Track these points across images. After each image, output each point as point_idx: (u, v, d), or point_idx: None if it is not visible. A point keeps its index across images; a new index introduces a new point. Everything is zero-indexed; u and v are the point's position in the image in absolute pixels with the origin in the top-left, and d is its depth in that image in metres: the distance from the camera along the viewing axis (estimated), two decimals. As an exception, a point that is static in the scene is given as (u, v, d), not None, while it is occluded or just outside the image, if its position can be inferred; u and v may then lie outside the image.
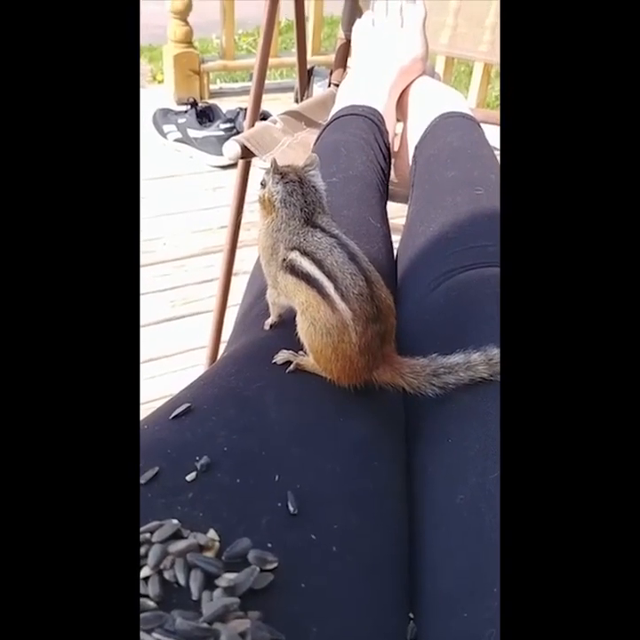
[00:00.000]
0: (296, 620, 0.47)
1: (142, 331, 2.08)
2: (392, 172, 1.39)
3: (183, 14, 3.28)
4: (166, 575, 0.46)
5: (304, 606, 0.48)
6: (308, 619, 0.47)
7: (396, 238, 1.22)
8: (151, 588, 0.45)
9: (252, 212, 2.69)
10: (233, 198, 1.80)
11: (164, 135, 3.09)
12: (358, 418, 0.69)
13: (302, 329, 0.70)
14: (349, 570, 0.54)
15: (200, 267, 2.38)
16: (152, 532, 0.49)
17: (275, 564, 0.49)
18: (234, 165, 2.33)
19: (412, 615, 0.56)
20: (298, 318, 0.71)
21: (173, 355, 2.06)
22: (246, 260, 2.12)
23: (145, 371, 1.96)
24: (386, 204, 1.28)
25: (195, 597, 0.45)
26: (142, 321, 2.12)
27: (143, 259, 2.38)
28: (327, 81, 1.94)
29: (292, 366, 0.70)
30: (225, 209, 2.58)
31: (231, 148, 1.49)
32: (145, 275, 2.31)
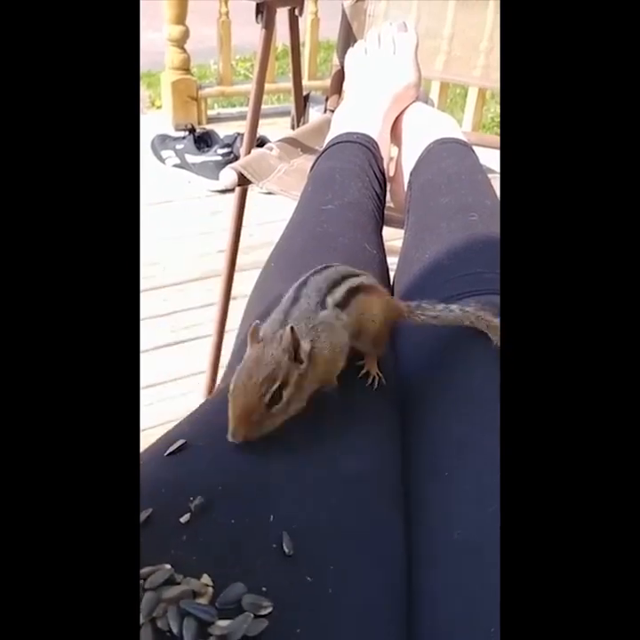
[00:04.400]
0: (291, 667, 0.46)
1: (142, 357, 2.08)
2: (388, 197, 1.40)
3: (180, 42, 3.32)
4: (159, 623, 0.46)
5: (299, 653, 0.47)
6: (303, 666, 0.46)
7: (392, 260, 1.23)
8: (144, 638, 0.44)
9: (252, 236, 2.70)
10: (231, 223, 1.81)
11: (162, 161, 3.12)
12: (353, 454, 0.68)
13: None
14: (346, 612, 0.53)
15: (200, 291, 2.38)
16: (145, 579, 0.48)
17: (269, 609, 0.49)
18: (232, 190, 2.35)
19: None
20: None
21: (174, 380, 2.05)
22: (244, 284, 2.12)
23: (144, 397, 1.96)
24: (382, 229, 1.28)
25: (187, 647, 0.45)
26: (142, 346, 2.12)
27: (143, 284, 2.39)
28: (323, 106, 1.96)
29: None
30: (223, 233, 2.58)
31: (228, 176, 1.50)
32: (145, 300, 2.31)
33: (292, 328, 0.66)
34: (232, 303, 1.91)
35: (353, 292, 0.78)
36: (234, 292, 1.91)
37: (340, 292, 0.76)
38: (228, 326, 1.92)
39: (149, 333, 2.18)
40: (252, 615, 0.47)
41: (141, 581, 0.48)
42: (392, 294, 1.10)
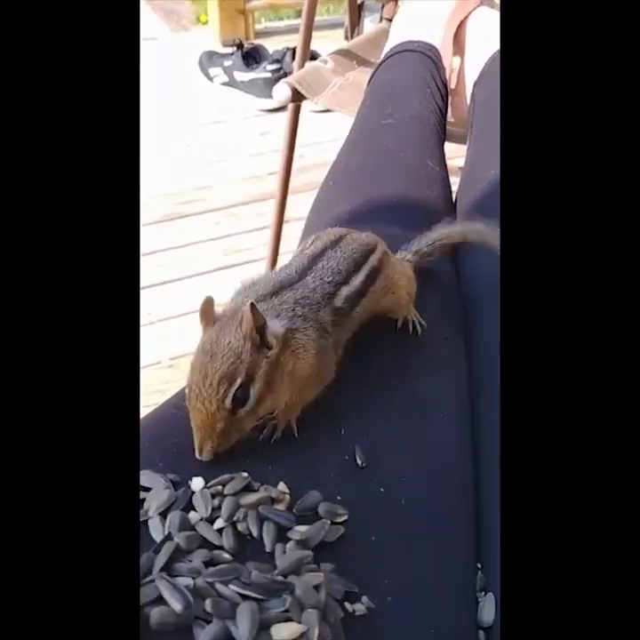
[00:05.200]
0: (368, 572, 0.47)
1: (194, 280, 2.10)
2: (449, 111, 1.33)
3: (227, -49, 3.16)
4: (239, 527, 0.47)
5: (375, 559, 0.48)
6: (380, 572, 0.48)
7: (453, 180, 1.18)
8: (226, 540, 0.46)
9: (302, 157, 2.64)
10: (283, 143, 1.76)
11: (210, 79, 3.04)
12: (423, 375, 0.68)
13: None
14: (418, 523, 0.54)
15: (251, 214, 2.36)
16: (224, 485, 0.49)
17: (345, 517, 0.50)
18: (281, 109, 2.28)
19: (480, 565, 0.56)
20: None
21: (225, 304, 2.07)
22: (296, 207, 2.09)
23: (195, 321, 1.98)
24: (444, 145, 1.23)
25: (268, 550, 0.46)
26: (195, 270, 2.13)
27: (194, 207, 2.39)
28: (378, 15, 1.85)
29: None
30: (274, 154, 2.53)
31: (281, 91, 1.44)
32: (196, 224, 2.31)
33: (252, 304, 0.51)
34: (285, 227, 1.88)
35: (372, 276, 0.65)
36: (286, 215, 1.89)
37: (358, 279, 0.63)
38: (281, 250, 1.91)
39: (201, 257, 2.18)
40: (329, 522, 0.48)
41: (220, 487, 0.49)
42: (454, 212, 1.07)
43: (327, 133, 2.63)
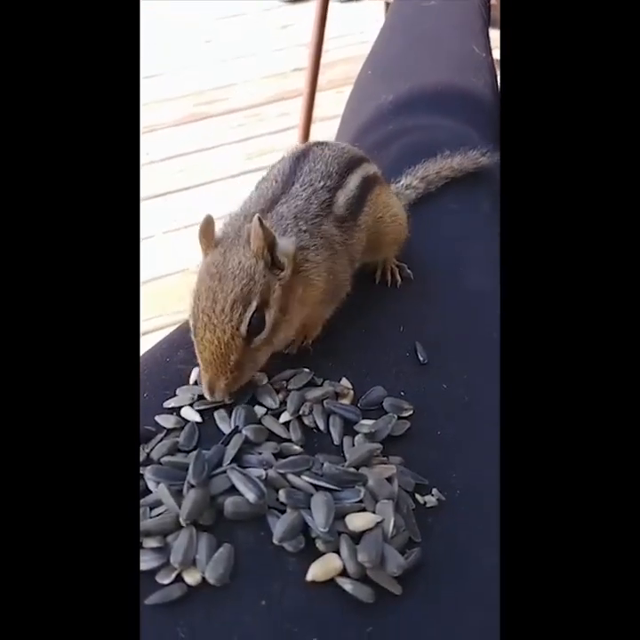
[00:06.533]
0: (435, 466, 0.46)
1: (215, 185, 2.04)
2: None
3: None
4: (306, 421, 0.46)
5: (441, 453, 0.48)
6: (447, 466, 0.47)
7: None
8: (293, 433, 0.45)
9: (327, 52, 2.51)
10: (312, 36, 1.66)
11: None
12: (476, 271, 0.65)
13: None
14: (479, 419, 0.53)
15: (275, 115, 2.27)
16: (288, 380, 0.48)
17: (410, 412, 0.49)
18: (303, 0, 2.14)
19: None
20: None
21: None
22: (322, 105, 2.00)
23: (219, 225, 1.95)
24: (488, 29, 1.14)
25: (336, 442, 0.45)
26: (216, 176, 2.07)
27: (215, 108, 2.29)
28: None
29: None
30: (297, 49, 2.40)
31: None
32: (218, 125, 2.23)
33: (259, 218, 0.46)
34: (312, 127, 1.81)
35: (368, 184, 0.57)
36: (313, 114, 1.80)
37: (353, 182, 0.55)
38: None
39: (223, 161, 2.12)
40: (395, 416, 0.47)
41: (284, 382, 0.48)
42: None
43: (353, 25, 2.47)
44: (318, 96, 1.80)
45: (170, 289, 1.69)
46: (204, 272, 0.47)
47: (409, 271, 0.62)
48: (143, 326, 1.51)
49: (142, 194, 1.96)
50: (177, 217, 1.93)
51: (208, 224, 0.48)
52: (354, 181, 0.56)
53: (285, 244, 0.47)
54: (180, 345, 0.54)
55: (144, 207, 1.91)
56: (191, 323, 0.46)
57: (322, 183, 0.53)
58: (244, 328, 0.45)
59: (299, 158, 0.55)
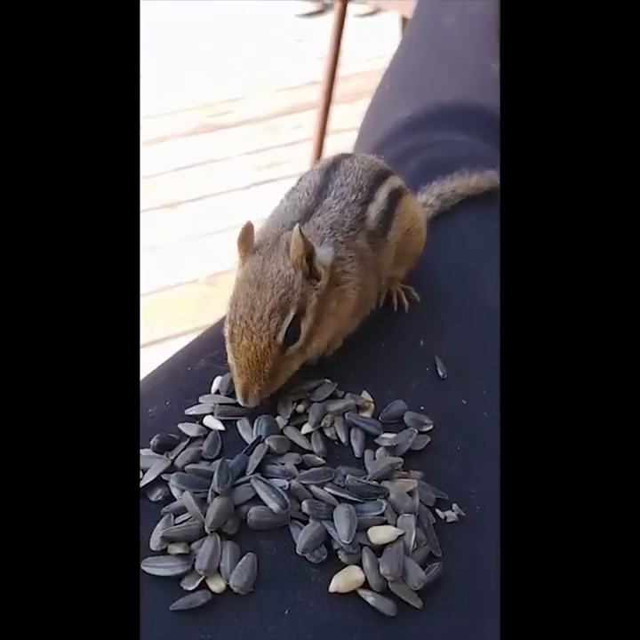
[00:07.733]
0: (455, 481, 0.47)
1: (224, 197, 2.03)
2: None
3: None
4: (327, 433, 0.47)
5: (461, 469, 0.48)
6: (467, 481, 0.47)
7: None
8: (315, 445, 0.45)
9: (342, 66, 2.52)
10: (329, 48, 1.68)
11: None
12: (496, 281, 0.65)
13: None
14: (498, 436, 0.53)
15: (288, 127, 2.28)
16: (311, 392, 0.49)
17: (430, 426, 0.49)
18: (319, 13, 2.16)
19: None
20: None
21: (257, 223, 2.01)
22: (335, 118, 2.01)
23: (226, 239, 1.93)
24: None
25: (357, 455, 0.46)
26: (225, 188, 2.07)
27: (228, 119, 2.31)
28: None
29: None
30: (311, 62, 2.42)
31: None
32: (231, 137, 2.25)
33: (300, 229, 0.46)
34: (326, 140, 1.82)
35: (395, 197, 0.57)
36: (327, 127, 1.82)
37: (382, 196, 0.56)
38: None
39: (235, 172, 2.13)
40: (416, 431, 0.48)
41: (307, 393, 0.49)
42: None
43: (370, 40, 2.50)
44: (338, 108, 1.81)
45: (180, 299, 1.70)
46: (243, 278, 0.47)
47: (415, 294, 0.61)
48: (152, 335, 1.51)
49: (153, 204, 1.97)
50: (186, 228, 1.93)
51: (248, 231, 0.49)
52: (382, 195, 0.56)
53: (323, 254, 0.48)
54: (200, 354, 0.55)
55: (155, 217, 1.93)
56: (228, 328, 0.47)
57: (354, 197, 0.54)
58: (280, 337, 0.45)
59: (329, 171, 0.55)
